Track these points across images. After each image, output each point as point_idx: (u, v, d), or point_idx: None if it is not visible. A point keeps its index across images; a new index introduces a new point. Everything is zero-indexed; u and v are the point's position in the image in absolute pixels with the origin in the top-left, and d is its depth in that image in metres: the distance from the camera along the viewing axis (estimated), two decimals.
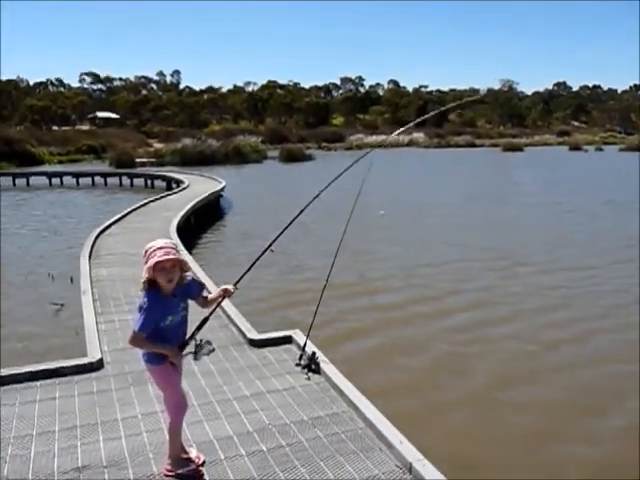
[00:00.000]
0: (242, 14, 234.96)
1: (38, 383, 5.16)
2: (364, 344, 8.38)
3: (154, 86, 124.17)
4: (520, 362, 7.76)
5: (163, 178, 31.83)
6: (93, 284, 8.72)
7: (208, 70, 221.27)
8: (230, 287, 3.75)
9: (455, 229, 17.80)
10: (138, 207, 18.16)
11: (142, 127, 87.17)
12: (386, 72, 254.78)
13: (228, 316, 6.84)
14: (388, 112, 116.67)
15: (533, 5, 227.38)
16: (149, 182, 32.85)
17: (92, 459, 3.93)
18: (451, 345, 8.28)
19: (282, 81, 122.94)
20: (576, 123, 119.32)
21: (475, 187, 30.13)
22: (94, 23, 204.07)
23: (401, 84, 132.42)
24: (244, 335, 6.25)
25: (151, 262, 3.36)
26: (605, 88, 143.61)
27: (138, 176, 34.45)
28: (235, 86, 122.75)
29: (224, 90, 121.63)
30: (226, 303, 4.94)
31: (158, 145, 59.99)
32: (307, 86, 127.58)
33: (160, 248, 3.41)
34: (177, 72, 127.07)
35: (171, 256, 3.39)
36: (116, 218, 15.44)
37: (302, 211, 4.58)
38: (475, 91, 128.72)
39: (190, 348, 3.61)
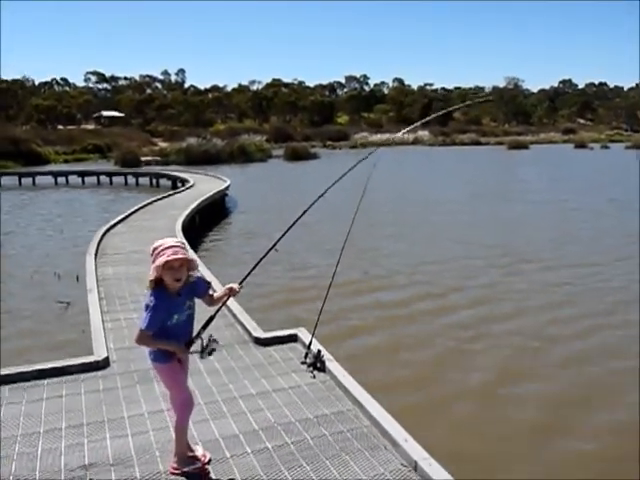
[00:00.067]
0: (246, 13, 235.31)
1: (45, 381, 5.19)
2: (368, 341, 8.39)
3: (159, 85, 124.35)
4: (524, 358, 7.77)
5: (168, 177, 31.91)
6: (99, 283, 8.76)
7: (213, 69, 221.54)
8: (235, 286, 3.75)
9: (460, 226, 17.79)
10: (144, 206, 18.21)
11: (147, 126, 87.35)
12: (391, 70, 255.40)
13: (234, 315, 6.85)
14: (393, 110, 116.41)
15: (538, 2, 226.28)
16: (154, 181, 32.93)
17: (99, 457, 3.95)
18: (456, 341, 8.30)
19: (287, 80, 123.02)
20: (582, 121, 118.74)
21: (480, 184, 30.08)
22: (99, 22, 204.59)
23: (406, 82, 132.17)
24: (250, 333, 6.27)
25: (160, 261, 3.36)
26: (611, 85, 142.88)
27: (143, 175, 34.55)
28: (240, 85, 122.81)
29: (229, 89, 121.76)
30: (231, 302, 4.96)
31: (163, 144, 60.13)
32: (312, 85, 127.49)
33: (169, 247, 3.41)
34: (182, 71, 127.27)
35: (180, 255, 3.39)
36: (122, 217, 15.49)
37: (306, 211, 4.58)
38: (480, 89, 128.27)
39: (196, 346, 3.62)
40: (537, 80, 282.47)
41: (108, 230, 13.55)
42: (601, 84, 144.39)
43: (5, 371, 5.27)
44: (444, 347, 8.15)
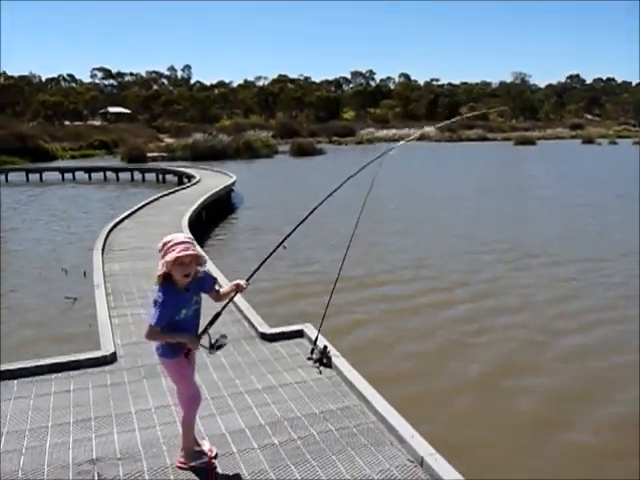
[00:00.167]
0: (252, 9, 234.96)
1: (53, 376, 5.23)
2: (373, 335, 8.41)
3: (165, 81, 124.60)
4: (528, 352, 7.80)
5: (174, 173, 31.94)
6: (106, 278, 8.80)
7: (219, 65, 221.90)
8: (242, 282, 3.76)
9: (467, 222, 17.76)
10: (150, 202, 18.24)
11: (153, 122, 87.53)
12: (397, 66, 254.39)
13: (240, 310, 6.87)
14: (399, 106, 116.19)
15: None
16: (160, 177, 32.99)
17: (106, 451, 3.97)
18: (460, 335, 8.34)
19: (293, 75, 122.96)
20: (589, 116, 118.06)
21: (487, 180, 29.99)
22: (105, 19, 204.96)
23: (412, 77, 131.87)
24: (256, 329, 6.28)
25: (170, 257, 3.36)
26: (619, 81, 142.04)
27: (150, 171, 34.60)
28: (246, 81, 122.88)
29: (235, 85, 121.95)
30: (238, 298, 4.97)
31: (169, 140, 60.16)
32: (318, 80, 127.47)
33: (180, 243, 3.41)
34: (188, 67, 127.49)
35: (191, 251, 3.40)
36: (128, 212, 15.53)
37: (315, 209, 4.58)
38: (487, 84, 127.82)
39: (204, 342, 3.63)
40: (544, 75, 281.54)
41: (115, 226, 13.59)
42: (609, 79, 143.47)
43: (13, 365, 5.31)
44: (448, 340, 8.20)
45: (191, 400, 3.66)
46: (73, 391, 4.95)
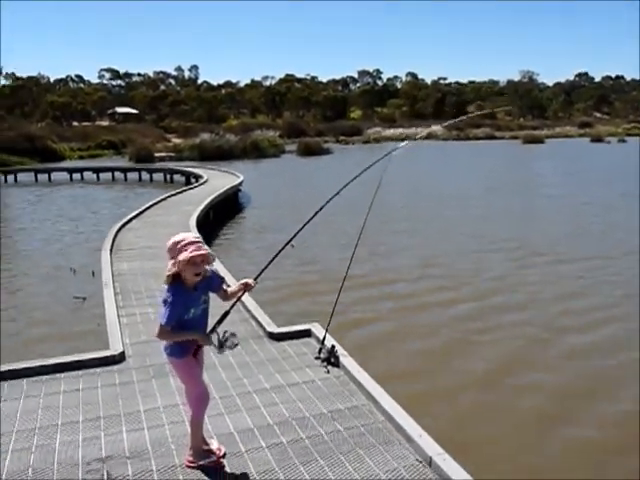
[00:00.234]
0: (259, 9, 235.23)
1: (62, 375, 5.25)
2: (379, 333, 8.43)
3: (172, 81, 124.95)
4: (534, 349, 7.81)
5: (182, 173, 32.02)
6: (114, 278, 8.83)
7: (226, 65, 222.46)
8: (250, 281, 3.77)
9: (475, 220, 17.73)
10: (158, 202, 18.31)
11: (160, 122, 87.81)
12: (404, 65, 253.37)
13: (248, 309, 6.87)
14: (406, 105, 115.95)
15: None
16: (168, 177, 33.09)
17: (115, 450, 3.99)
18: (464, 333, 8.34)
19: (300, 75, 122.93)
20: (598, 114, 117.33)
21: (495, 179, 29.89)
22: (113, 19, 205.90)
23: (419, 76, 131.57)
24: (264, 328, 6.29)
25: (184, 257, 3.35)
26: (628, 79, 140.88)
27: (157, 171, 34.73)
28: (253, 80, 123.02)
29: (242, 85, 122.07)
30: (246, 297, 4.97)
31: (176, 140, 60.34)
32: (325, 80, 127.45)
33: (191, 243, 3.41)
34: (195, 67, 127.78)
35: (202, 251, 3.41)
36: (136, 212, 15.59)
37: (322, 208, 4.58)
38: (495, 83, 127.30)
39: (213, 341, 3.63)
40: (553, 73, 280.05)
41: (123, 226, 13.64)
42: (618, 77, 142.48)
43: (23, 364, 5.35)
44: (454, 337, 8.22)
45: (199, 399, 3.67)
46: (82, 390, 4.97)
